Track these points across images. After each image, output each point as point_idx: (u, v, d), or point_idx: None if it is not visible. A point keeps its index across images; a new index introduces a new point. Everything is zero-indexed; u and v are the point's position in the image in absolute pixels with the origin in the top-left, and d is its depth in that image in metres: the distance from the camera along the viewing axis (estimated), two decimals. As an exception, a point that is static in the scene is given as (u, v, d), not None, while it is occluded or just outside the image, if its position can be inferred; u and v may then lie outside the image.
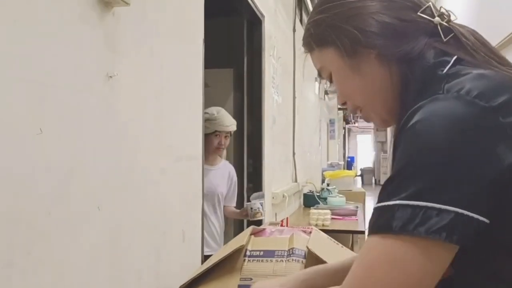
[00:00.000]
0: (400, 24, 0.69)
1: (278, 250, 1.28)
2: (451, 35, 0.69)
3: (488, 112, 0.55)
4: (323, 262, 1.20)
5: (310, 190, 4.43)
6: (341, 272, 0.88)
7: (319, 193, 4.34)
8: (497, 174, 0.54)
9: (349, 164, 16.23)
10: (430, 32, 0.69)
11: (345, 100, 0.78)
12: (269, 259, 1.26)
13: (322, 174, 6.21)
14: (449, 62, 0.66)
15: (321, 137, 7.67)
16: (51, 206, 0.84)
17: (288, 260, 1.25)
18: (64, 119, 0.87)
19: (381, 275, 0.55)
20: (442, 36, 0.69)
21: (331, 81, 0.77)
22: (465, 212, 0.53)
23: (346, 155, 19.00)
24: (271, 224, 2.55)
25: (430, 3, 0.71)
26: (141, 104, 1.19)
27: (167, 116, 1.35)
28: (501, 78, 0.62)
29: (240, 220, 2.83)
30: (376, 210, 0.58)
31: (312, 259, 1.23)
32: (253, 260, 1.26)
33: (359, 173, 15.27)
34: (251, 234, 1.38)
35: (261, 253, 1.28)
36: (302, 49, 0.82)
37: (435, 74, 0.65)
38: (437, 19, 0.69)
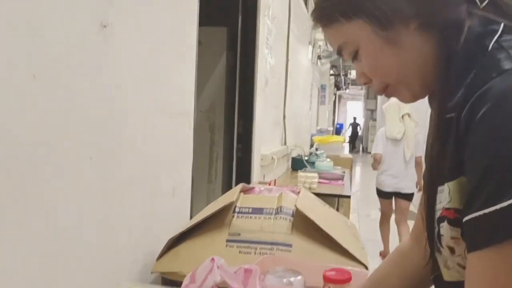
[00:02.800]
0: None
1: (267, 208, 1.31)
2: (487, 0, 0.62)
3: None
4: (310, 221, 1.23)
5: (299, 154, 4.47)
6: None
7: (307, 157, 4.38)
8: None
9: (338, 130, 16.33)
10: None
11: (373, 78, 0.69)
12: (257, 216, 1.29)
13: (311, 139, 6.25)
14: (497, 31, 0.59)
15: (312, 102, 7.67)
16: (45, 154, 0.84)
17: (276, 218, 1.27)
18: (57, 66, 0.86)
19: None
20: (478, 1, 0.62)
21: (354, 59, 0.68)
22: None
23: (336, 122, 19.08)
24: (260, 183, 2.59)
25: None
26: (136, 56, 1.17)
27: (161, 70, 1.34)
28: None
29: (229, 178, 2.86)
30: (481, 219, 0.51)
31: (300, 217, 1.25)
32: (241, 217, 1.29)
33: (347, 140, 15.39)
34: (240, 192, 1.40)
35: (250, 210, 1.31)
36: (311, 20, 0.70)
37: (484, 45, 0.59)
38: None
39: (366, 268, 1.16)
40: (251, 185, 1.50)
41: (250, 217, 1.28)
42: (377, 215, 6.02)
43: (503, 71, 0.54)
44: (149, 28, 1.25)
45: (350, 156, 5.96)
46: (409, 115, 4.03)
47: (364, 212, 6.68)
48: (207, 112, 3.01)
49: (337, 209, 3.92)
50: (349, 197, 3.40)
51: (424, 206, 0.65)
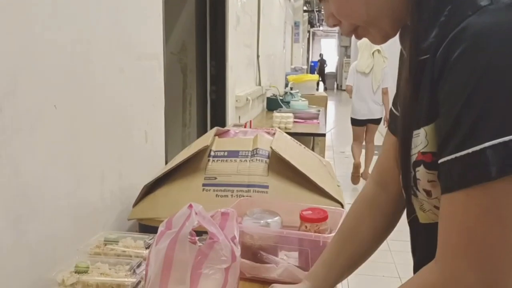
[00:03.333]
0: None
1: (242, 151, 1.30)
2: None
3: None
4: (286, 162, 1.22)
5: (274, 94, 4.44)
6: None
7: (282, 97, 4.35)
8: None
9: (312, 68, 16.24)
10: None
11: (341, 20, 0.65)
12: (233, 159, 1.28)
13: (286, 78, 6.19)
14: None
15: (286, 40, 7.52)
16: (5, 104, 0.79)
17: (252, 160, 1.26)
18: (16, 7, 0.79)
19: (493, 236, 0.48)
20: None
21: None
22: None
23: (310, 60, 18.93)
24: (235, 125, 2.57)
25: None
26: (95, -5, 1.09)
27: (125, 9, 1.26)
28: None
29: (203, 121, 2.82)
30: (456, 161, 0.50)
31: (275, 159, 1.25)
32: (217, 160, 1.27)
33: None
34: (215, 135, 1.38)
35: (225, 153, 1.29)
36: None
37: None
38: None
39: (342, 206, 1.18)
40: (225, 128, 1.48)
41: (226, 160, 1.27)
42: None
43: (479, 7, 0.51)
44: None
45: (324, 94, 5.97)
46: (379, 51, 4.56)
47: (339, 149, 6.80)
48: (179, 54, 2.91)
49: (313, 148, 3.97)
50: (324, 135, 3.43)
51: (399, 151, 0.64)
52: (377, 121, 4.77)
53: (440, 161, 0.53)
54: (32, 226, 0.89)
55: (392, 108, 0.78)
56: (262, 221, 1.03)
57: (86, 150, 1.09)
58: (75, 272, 0.86)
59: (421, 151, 0.59)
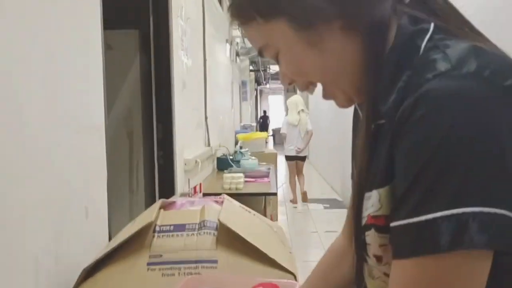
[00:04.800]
0: None
1: (189, 224, 1.24)
2: None
3: (509, 92, 0.48)
4: (235, 234, 1.18)
5: (224, 154, 4.43)
6: None
7: (232, 156, 4.35)
8: None
9: (262, 124, 16.53)
10: None
11: (297, 79, 0.64)
12: (179, 233, 1.22)
13: (235, 136, 6.24)
14: (428, 30, 0.56)
15: (234, 99, 7.65)
16: None
17: (199, 233, 1.21)
18: None
19: None
20: None
21: (276, 60, 0.63)
22: (510, 215, 0.46)
23: (259, 116, 19.31)
24: (182, 195, 2.51)
25: None
26: (31, 67, 1.05)
27: (62, 81, 1.22)
28: (499, 53, 0.54)
29: (151, 187, 2.74)
30: (406, 228, 0.49)
31: (224, 231, 1.20)
32: (163, 236, 1.21)
33: (270, 133, 15.62)
34: (160, 208, 1.32)
35: (172, 227, 1.23)
36: (228, 17, 0.64)
37: (417, 45, 0.55)
38: None
39: (295, 277, 1.14)
40: (171, 200, 1.42)
41: (172, 235, 1.21)
42: (303, 205, 6.12)
43: (440, 72, 0.50)
44: (47, 35, 1.13)
45: (274, 151, 6.05)
46: (303, 110, 6.60)
47: (291, 204, 6.80)
48: (125, 119, 2.86)
49: (265, 207, 3.94)
50: (275, 194, 3.43)
51: (352, 214, 0.62)
52: (303, 158, 6.77)
53: (392, 224, 0.52)
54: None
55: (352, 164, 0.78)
56: (211, 302, 0.97)
57: (18, 231, 1.00)
58: None
59: (372, 214, 0.57)
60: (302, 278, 1.01)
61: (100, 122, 1.48)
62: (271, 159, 5.16)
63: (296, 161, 6.67)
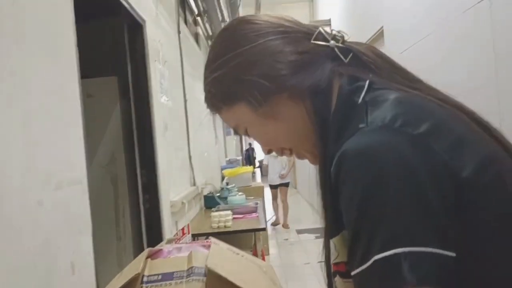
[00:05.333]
0: (301, 58, 0.65)
1: (177, 271, 1.22)
2: (351, 55, 0.66)
3: (419, 139, 0.52)
4: (224, 279, 1.17)
5: (210, 191, 4.42)
6: None
7: (219, 193, 4.34)
8: (450, 199, 0.50)
9: (248, 158, 16.53)
10: (330, 57, 0.66)
11: (270, 147, 0.73)
12: (168, 282, 1.20)
13: (222, 172, 6.23)
14: (363, 87, 0.62)
15: (218, 135, 7.67)
16: None
17: (188, 281, 1.20)
18: None
19: None
20: (343, 57, 0.65)
21: (249, 135, 0.72)
22: (439, 251, 0.48)
23: (244, 149, 19.33)
24: (168, 242, 2.48)
25: (320, 29, 0.68)
26: (5, 129, 1.06)
27: (39, 139, 1.22)
28: (419, 101, 0.59)
29: (139, 232, 2.71)
30: (359, 276, 0.51)
31: (212, 277, 1.19)
32: (151, 286, 1.19)
33: (257, 165, 15.62)
34: (147, 257, 1.31)
35: (159, 276, 1.21)
36: (207, 108, 0.75)
37: (354, 102, 0.61)
38: (332, 42, 0.66)
39: (286, 318, 1.13)
40: (158, 248, 1.41)
41: (160, 285, 1.19)
42: (295, 236, 6.12)
43: (357, 129, 0.56)
44: (19, 97, 1.14)
45: (261, 184, 6.03)
46: None
47: (282, 236, 6.76)
48: (108, 165, 2.85)
49: (255, 242, 3.90)
50: (264, 229, 3.41)
51: (325, 267, 0.67)
52: (286, 184, 7.30)
53: (352, 273, 0.54)
54: None
55: None
56: None
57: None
58: None
59: (333, 262, 0.61)
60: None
61: (82, 174, 1.47)
62: (258, 192, 5.15)
63: (279, 187, 7.25)
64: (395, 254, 0.48)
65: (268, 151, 0.74)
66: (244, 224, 3.31)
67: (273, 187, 7.35)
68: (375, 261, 0.49)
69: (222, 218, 3.24)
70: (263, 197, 5.19)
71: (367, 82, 0.63)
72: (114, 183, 2.86)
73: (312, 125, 0.65)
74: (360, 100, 0.61)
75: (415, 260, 0.47)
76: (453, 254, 0.49)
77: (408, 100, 0.58)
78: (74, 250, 1.36)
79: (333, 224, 0.59)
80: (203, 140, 5.11)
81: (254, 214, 3.63)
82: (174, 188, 3.03)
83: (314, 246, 6.03)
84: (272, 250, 5.71)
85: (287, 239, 6.58)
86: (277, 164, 7.17)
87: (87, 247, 1.47)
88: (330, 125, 0.62)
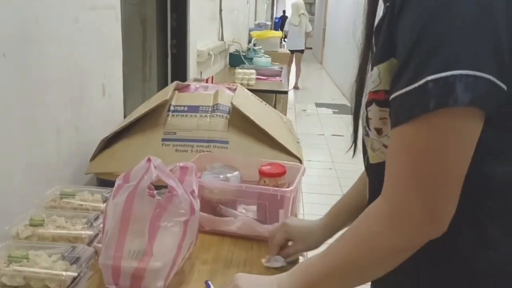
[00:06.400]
0: None
1: (203, 106, 1.28)
2: None
3: None
4: (246, 117, 1.22)
5: (236, 50, 4.36)
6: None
7: (245, 53, 4.29)
8: None
9: (277, 25, 15.99)
10: None
11: None
12: (193, 114, 1.26)
13: (249, 34, 6.08)
14: None
15: (250, -5, 7.33)
16: None
17: (212, 116, 1.26)
18: None
19: (436, 167, 0.51)
20: None
21: None
22: (496, 81, 0.49)
23: (274, 16, 18.61)
24: (195, 80, 2.52)
25: None
26: None
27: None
28: None
29: (164, 76, 2.76)
30: (403, 97, 0.52)
31: (236, 114, 1.25)
32: (177, 115, 1.26)
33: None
34: (175, 90, 1.35)
35: (185, 108, 1.28)
36: None
37: None
38: None
39: (301, 161, 1.20)
40: (186, 83, 1.45)
41: (186, 115, 1.25)
42: (313, 108, 6.17)
43: None
44: None
45: (287, 51, 5.93)
46: (303, 13, 8.42)
47: (301, 107, 6.86)
48: (138, 5, 2.79)
49: (275, 105, 3.97)
50: (286, 93, 3.44)
51: (354, 89, 0.68)
52: (301, 51, 8.55)
53: (391, 97, 0.55)
54: (-17, 180, 0.86)
55: None
56: (221, 176, 1.04)
57: (40, 103, 1.05)
58: (30, 225, 0.85)
59: (373, 90, 0.62)
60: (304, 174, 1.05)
61: (115, 0, 1.46)
62: (285, 59, 5.07)
63: (295, 53, 8.26)
64: (452, 75, 0.48)
65: None
66: (266, 85, 3.33)
67: (291, 52, 8.03)
68: (427, 81, 0.49)
69: (246, 76, 3.25)
70: (289, 64, 5.13)
71: None
72: (143, 24, 2.82)
73: None
74: None
75: (471, 83, 0.48)
76: (505, 88, 0.50)
77: None
78: (105, 73, 1.40)
79: (384, 50, 0.59)
80: (235, -3, 4.90)
81: (277, 78, 3.63)
82: (201, 38, 3.00)
83: (330, 120, 6.15)
84: (289, 117, 5.83)
85: (305, 110, 6.69)
86: (296, 33, 8.32)
87: (117, 73, 1.51)
88: None
